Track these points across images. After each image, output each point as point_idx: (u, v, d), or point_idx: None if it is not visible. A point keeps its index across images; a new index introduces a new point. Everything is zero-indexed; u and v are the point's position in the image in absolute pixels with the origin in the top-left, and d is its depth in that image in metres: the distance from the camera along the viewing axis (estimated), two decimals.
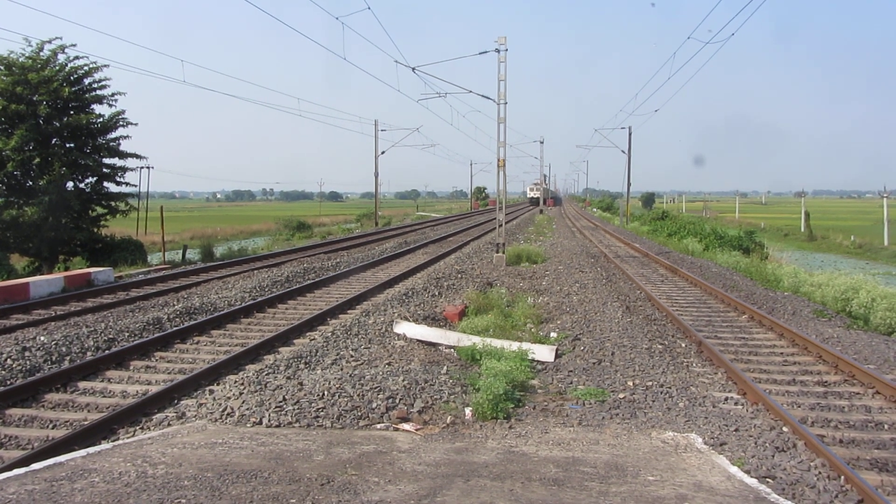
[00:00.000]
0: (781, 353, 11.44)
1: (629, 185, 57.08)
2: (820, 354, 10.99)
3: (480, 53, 23.83)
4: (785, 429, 7.59)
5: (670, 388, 9.14)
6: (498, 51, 22.78)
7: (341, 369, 9.52)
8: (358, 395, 8.03)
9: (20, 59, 25.31)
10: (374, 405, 7.82)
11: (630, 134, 54.78)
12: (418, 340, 11.52)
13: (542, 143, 76.55)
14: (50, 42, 25.97)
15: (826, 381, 9.79)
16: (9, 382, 9.12)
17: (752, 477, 5.97)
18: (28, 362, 9.91)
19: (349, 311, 14.87)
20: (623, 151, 55.35)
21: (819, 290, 18.19)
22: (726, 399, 8.84)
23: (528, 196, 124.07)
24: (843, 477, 6.25)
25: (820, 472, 6.41)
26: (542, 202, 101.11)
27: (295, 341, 12.00)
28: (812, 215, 66.27)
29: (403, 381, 8.53)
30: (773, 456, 6.80)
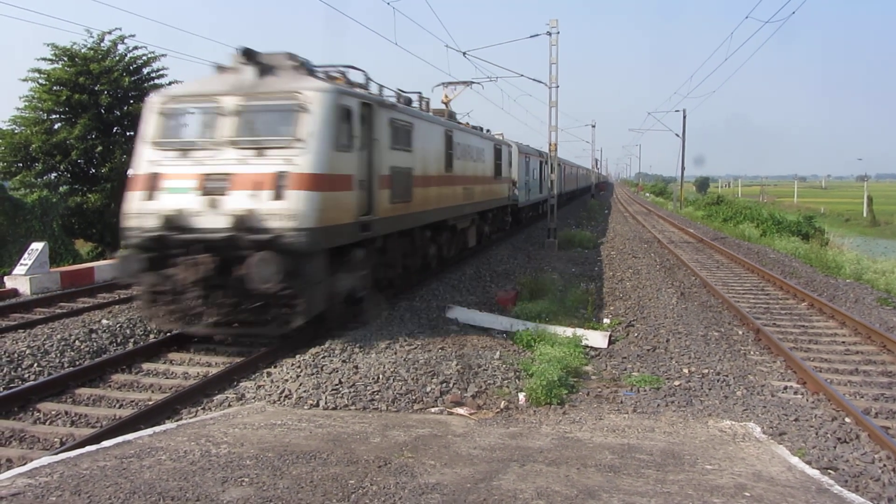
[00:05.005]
0: (843, 342, 11.12)
1: (683, 168, 56.05)
2: (884, 344, 10.64)
3: (531, 37, 23.63)
4: (847, 419, 7.40)
5: (727, 375, 8.99)
6: (549, 34, 22.56)
7: (395, 353, 9.62)
8: (412, 379, 8.12)
9: (82, 51, 26.08)
10: (428, 389, 7.90)
11: (684, 117, 53.70)
12: (471, 325, 11.57)
13: (593, 126, 75.77)
14: (110, 33, 26.69)
15: (891, 372, 9.49)
16: (78, 363, 9.49)
17: (813, 468, 5.84)
18: (95, 344, 10.28)
19: (402, 297, 14.97)
20: (677, 135, 54.32)
21: (883, 277, 17.63)
22: (785, 388, 8.66)
23: None
24: None
25: (885, 465, 6.25)
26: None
27: (349, 326, 12.14)
28: (875, 200, 64.05)
29: (457, 365, 8.59)
30: (835, 447, 6.65)
